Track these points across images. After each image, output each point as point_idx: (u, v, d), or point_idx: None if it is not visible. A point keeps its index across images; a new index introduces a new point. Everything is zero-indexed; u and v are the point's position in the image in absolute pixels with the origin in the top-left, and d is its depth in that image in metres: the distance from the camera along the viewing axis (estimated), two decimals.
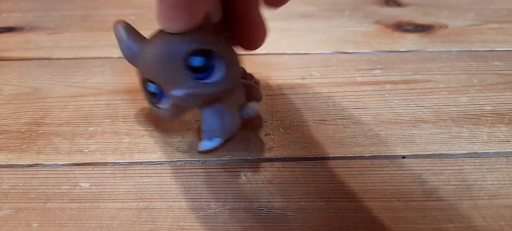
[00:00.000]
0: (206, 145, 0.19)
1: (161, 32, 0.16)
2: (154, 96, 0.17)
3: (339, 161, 0.19)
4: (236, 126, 0.19)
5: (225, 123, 0.18)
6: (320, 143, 0.20)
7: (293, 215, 0.16)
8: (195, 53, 0.16)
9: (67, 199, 0.17)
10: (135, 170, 0.19)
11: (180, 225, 0.16)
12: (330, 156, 0.19)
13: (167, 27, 0.15)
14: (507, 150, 0.19)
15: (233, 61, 0.17)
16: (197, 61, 0.16)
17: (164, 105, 0.17)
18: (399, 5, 0.34)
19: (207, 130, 0.19)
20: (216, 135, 0.19)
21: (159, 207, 0.17)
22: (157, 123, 0.21)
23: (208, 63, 0.16)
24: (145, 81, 0.17)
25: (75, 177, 0.18)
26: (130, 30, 0.17)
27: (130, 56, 0.17)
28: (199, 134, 0.20)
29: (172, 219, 0.16)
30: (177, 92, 0.16)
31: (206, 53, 0.16)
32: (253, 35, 0.17)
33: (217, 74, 0.16)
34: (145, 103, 0.23)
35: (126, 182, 0.18)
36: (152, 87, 0.17)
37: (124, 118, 0.22)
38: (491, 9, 0.33)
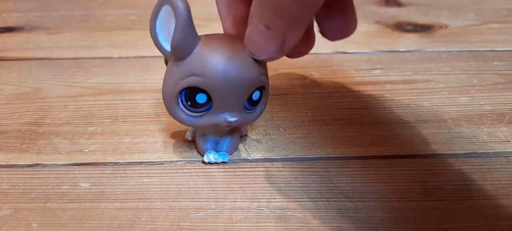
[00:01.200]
0: (213, 157, 0.18)
1: (228, 42, 0.16)
2: (197, 106, 0.16)
3: (339, 161, 0.19)
4: (238, 144, 0.20)
5: (235, 143, 0.19)
6: (320, 143, 0.20)
7: (293, 215, 0.16)
8: (258, 88, 0.16)
9: (67, 199, 0.17)
10: (135, 170, 0.19)
11: (180, 225, 0.16)
12: (330, 156, 0.19)
13: (255, 54, 0.15)
14: (507, 150, 0.19)
15: (268, 94, 0.18)
16: (256, 95, 0.17)
17: (200, 116, 0.17)
18: (399, 5, 0.34)
19: (212, 143, 0.19)
20: (223, 150, 0.19)
21: (159, 207, 0.17)
22: (157, 123, 0.21)
23: (260, 97, 0.17)
24: (193, 89, 0.16)
25: (75, 177, 0.18)
26: (190, 16, 0.15)
27: (181, 47, 0.15)
28: (197, 143, 0.19)
29: (172, 219, 0.16)
30: (232, 118, 0.16)
31: (261, 88, 0.17)
32: (351, 24, 0.18)
33: (260, 108, 0.17)
34: (145, 104, 0.23)
35: (126, 182, 0.18)
36: (202, 98, 0.16)
37: (124, 118, 0.22)
38: (491, 9, 0.33)
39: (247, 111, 0.17)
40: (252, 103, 0.17)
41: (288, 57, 0.18)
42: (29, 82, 0.25)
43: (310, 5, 0.13)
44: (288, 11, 0.13)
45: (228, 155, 0.19)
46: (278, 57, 0.15)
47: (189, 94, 0.16)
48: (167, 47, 0.16)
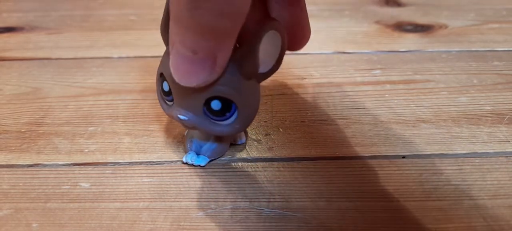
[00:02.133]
0: (191, 159, 0.18)
1: None
2: (165, 93, 0.16)
3: (339, 161, 0.19)
4: (225, 151, 0.19)
5: (219, 149, 0.18)
6: (320, 143, 0.20)
7: (293, 215, 0.16)
8: (216, 98, 0.15)
9: (67, 199, 0.17)
10: (135, 170, 0.19)
11: (180, 225, 0.16)
12: (330, 156, 0.19)
13: (183, 83, 0.13)
14: (507, 150, 0.19)
15: (249, 108, 0.16)
16: (216, 104, 0.15)
17: (169, 106, 0.17)
18: (399, 5, 0.34)
19: (197, 145, 0.18)
20: (206, 154, 0.18)
21: (159, 207, 0.17)
22: (157, 123, 0.21)
23: (223, 109, 0.15)
24: (162, 75, 0.16)
25: (75, 177, 0.18)
26: None
27: (163, 33, 0.16)
28: (185, 141, 0.19)
29: (172, 219, 0.16)
30: (182, 116, 0.16)
31: (227, 101, 0.15)
32: (304, 35, 0.17)
33: (233, 124, 0.16)
34: (145, 104, 0.23)
35: (126, 182, 0.18)
36: (165, 86, 0.16)
37: (124, 118, 0.22)
38: (491, 9, 0.33)
39: (211, 119, 0.16)
40: (214, 113, 0.15)
41: (289, 49, 0.17)
42: (29, 82, 0.25)
43: (238, 15, 0.12)
44: (214, 30, 0.12)
45: (207, 159, 0.18)
46: (212, 80, 0.14)
47: (161, 80, 0.16)
48: None
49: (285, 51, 0.16)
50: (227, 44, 0.13)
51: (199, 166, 0.18)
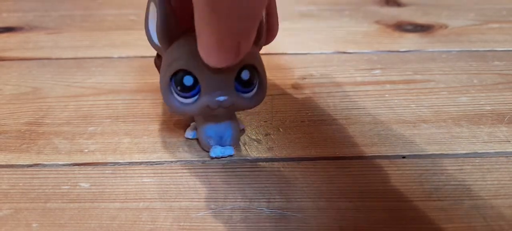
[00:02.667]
0: (220, 151, 0.18)
1: None
2: (185, 90, 0.16)
3: (339, 161, 0.19)
4: (239, 135, 0.19)
5: (236, 133, 0.19)
6: (320, 143, 0.20)
7: (293, 215, 0.16)
8: (245, 67, 0.16)
9: (67, 199, 0.17)
10: (135, 170, 0.19)
11: (180, 225, 0.16)
12: (330, 156, 0.19)
13: (213, 65, 0.15)
14: (507, 150, 0.19)
15: (264, 73, 0.17)
16: (245, 74, 0.16)
17: (192, 102, 0.17)
18: (399, 5, 0.34)
19: (216, 138, 0.18)
20: (228, 143, 0.19)
21: (159, 207, 0.17)
22: (157, 123, 0.21)
23: (251, 78, 0.17)
24: (180, 72, 0.16)
25: (75, 177, 0.18)
26: (169, 7, 0.16)
27: (162, 35, 0.16)
28: (200, 141, 0.19)
29: (172, 219, 0.16)
30: (222, 98, 0.16)
31: (251, 68, 0.16)
32: (273, 30, 0.18)
33: (257, 94, 0.17)
34: (144, 103, 0.23)
35: (126, 182, 0.18)
36: (188, 81, 0.16)
37: (124, 118, 0.22)
38: (491, 9, 0.33)
39: (241, 94, 0.17)
40: (244, 84, 0.16)
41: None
42: (29, 82, 0.25)
43: (255, 13, 0.13)
44: (236, 31, 0.13)
45: (232, 148, 0.19)
46: (237, 61, 0.15)
47: (178, 79, 0.16)
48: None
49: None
50: (250, 37, 0.14)
51: (229, 156, 0.19)
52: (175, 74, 0.16)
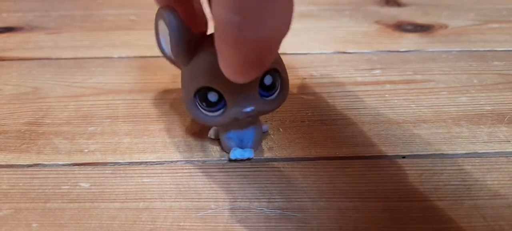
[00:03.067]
0: (239, 153, 0.18)
1: None
2: (211, 105, 0.16)
3: (339, 161, 0.19)
4: (261, 139, 0.19)
5: (258, 137, 0.19)
6: (320, 143, 0.20)
7: (293, 215, 0.16)
8: (268, 72, 0.16)
9: (67, 199, 0.17)
10: (135, 170, 0.19)
11: (180, 225, 0.16)
12: (330, 156, 0.19)
13: (239, 82, 0.14)
14: (507, 150, 0.19)
15: (285, 74, 0.17)
16: (268, 79, 0.16)
17: (218, 114, 0.17)
18: (399, 5, 0.34)
19: (237, 140, 0.18)
20: (249, 146, 0.19)
21: (159, 207, 0.17)
22: (157, 123, 0.21)
23: (274, 81, 0.17)
24: (203, 89, 0.16)
25: (75, 177, 0.18)
26: (182, 23, 0.16)
27: (180, 57, 0.16)
28: (221, 141, 0.19)
29: (172, 219, 0.16)
30: (249, 109, 0.16)
31: (273, 72, 0.16)
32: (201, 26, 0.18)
33: (280, 94, 0.17)
34: (144, 103, 0.23)
35: (126, 182, 0.18)
36: (213, 97, 0.16)
37: (124, 118, 0.22)
38: (491, 9, 0.33)
39: (264, 99, 0.17)
40: (266, 88, 0.16)
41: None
42: (29, 82, 0.25)
43: (281, 32, 0.13)
44: (263, 48, 0.13)
45: (252, 151, 0.19)
46: (261, 73, 0.15)
47: (202, 96, 0.16)
48: None
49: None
50: (275, 52, 0.14)
51: (249, 159, 0.19)
52: (198, 90, 0.16)
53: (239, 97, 0.16)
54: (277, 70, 0.17)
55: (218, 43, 0.13)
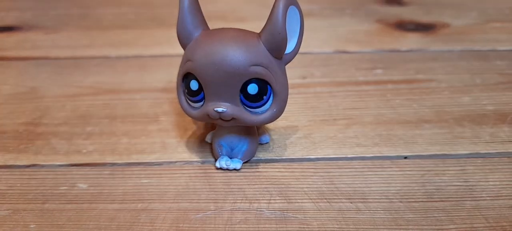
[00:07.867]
0: (225, 163, 0.18)
1: (227, 31, 0.16)
2: (192, 94, 0.16)
3: (340, 161, 0.19)
4: (255, 152, 0.19)
5: (251, 150, 0.18)
6: (320, 143, 0.20)
7: (294, 217, 0.16)
8: (253, 80, 0.15)
9: (65, 200, 0.17)
10: (133, 170, 0.18)
11: (179, 226, 0.16)
12: (331, 156, 0.19)
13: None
14: (509, 150, 0.19)
15: (283, 88, 0.16)
16: (253, 88, 0.16)
17: (197, 106, 0.16)
18: (400, 4, 0.34)
19: (227, 148, 0.18)
20: (238, 157, 0.18)
21: (157, 208, 0.17)
22: (155, 123, 0.21)
23: (260, 93, 0.16)
24: (189, 75, 0.16)
25: (73, 178, 0.18)
26: (195, 6, 0.16)
27: (183, 35, 0.16)
28: (212, 147, 0.19)
29: (171, 220, 0.16)
30: (220, 109, 0.16)
31: (261, 83, 0.16)
32: None
33: (269, 110, 0.16)
34: (143, 103, 0.22)
35: (124, 183, 0.18)
36: (194, 85, 0.16)
37: (122, 118, 0.21)
38: (494, 8, 0.33)
39: (247, 108, 0.16)
40: (251, 98, 0.16)
41: None
42: (26, 82, 0.25)
43: None
44: None
45: (241, 162, 0.18)
46: None
47: (186, 81, 0.16)
48: None
49: (303, 27, 0.17)
50: None
51: (235, 169, 0.18)
52: (185, 75, 0.16)
53: (216, 95, 0.16)
54: (268, 83, 0.16)
55: None
